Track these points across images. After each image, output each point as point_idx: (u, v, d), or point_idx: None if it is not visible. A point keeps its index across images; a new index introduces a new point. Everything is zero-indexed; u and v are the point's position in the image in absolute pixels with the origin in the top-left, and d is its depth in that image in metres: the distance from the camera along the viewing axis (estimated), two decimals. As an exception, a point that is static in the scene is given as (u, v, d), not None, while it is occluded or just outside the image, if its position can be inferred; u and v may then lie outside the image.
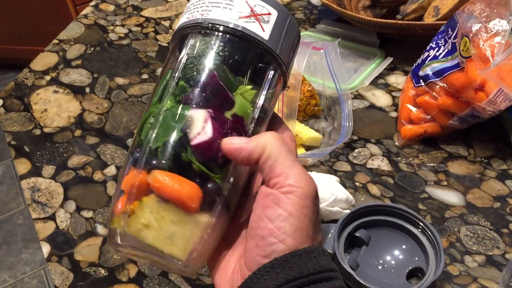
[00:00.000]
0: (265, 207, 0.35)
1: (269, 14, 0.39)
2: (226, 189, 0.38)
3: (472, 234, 0.67)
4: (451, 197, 0.72)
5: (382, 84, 0.92)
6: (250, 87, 0.39)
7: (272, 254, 0.34)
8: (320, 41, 0.97)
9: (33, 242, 1.83)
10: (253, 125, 0.39)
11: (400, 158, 0.78)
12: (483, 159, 0.77)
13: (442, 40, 0.79)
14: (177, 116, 0.38)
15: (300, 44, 0.77)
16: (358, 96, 0.90)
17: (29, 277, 1.73)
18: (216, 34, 0.39)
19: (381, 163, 0.77)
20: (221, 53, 0.39)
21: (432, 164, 0.77)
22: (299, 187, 0.34)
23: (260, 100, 0.40)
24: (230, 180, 0.38)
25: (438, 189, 0.73)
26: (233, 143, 0.36)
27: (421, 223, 0.62)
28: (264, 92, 0.40)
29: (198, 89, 0.38)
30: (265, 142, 0.36)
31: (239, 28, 0.39)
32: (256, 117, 0.40)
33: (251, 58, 0.40)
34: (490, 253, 0.65)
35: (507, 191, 0.72)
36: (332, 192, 0.67)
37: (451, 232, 0.67)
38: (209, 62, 0.39)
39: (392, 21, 0.92)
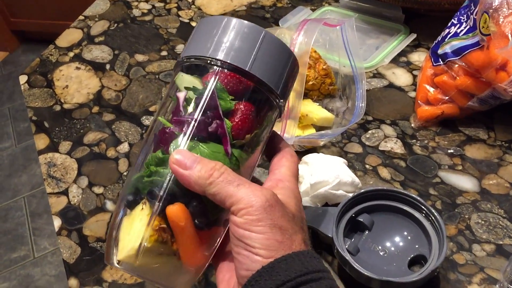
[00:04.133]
0: (233, 232, 0.37)
1: None
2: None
3: (483, 222, 0.64)
4: (465, 183, 0.69)
5: (404, 62, 0.88)
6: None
7: (255, 268, 0.36)
8: (337, 17, 0.94)
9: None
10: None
11: (415, 140, 0.75)
12: (503, 143, 0.73)
13: (465, 16, 0.74)
14: None
15: (311, 20, 0.75)
16: (377, 74, 0.87)
17: (67, 245, 1.81)
18: None
19: (394, 145, 0.75)
20: None
21: (448, 147, 0.73)
22: (251, 206, 0.36)
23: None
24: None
25: (452, 174, 0.70)
26: (177, 170, 0.37)
27: (424, 208, 0.60)
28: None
29: None
30: (206, 174, 0.37)
31: None
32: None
33: None
34: (501, 242, 0.62)
35: (526, 178, 0.68)
36: (336, 174, 0.65)
37: (461, 219, 0.65)
38: None
39: (417, -5, 0.88)
